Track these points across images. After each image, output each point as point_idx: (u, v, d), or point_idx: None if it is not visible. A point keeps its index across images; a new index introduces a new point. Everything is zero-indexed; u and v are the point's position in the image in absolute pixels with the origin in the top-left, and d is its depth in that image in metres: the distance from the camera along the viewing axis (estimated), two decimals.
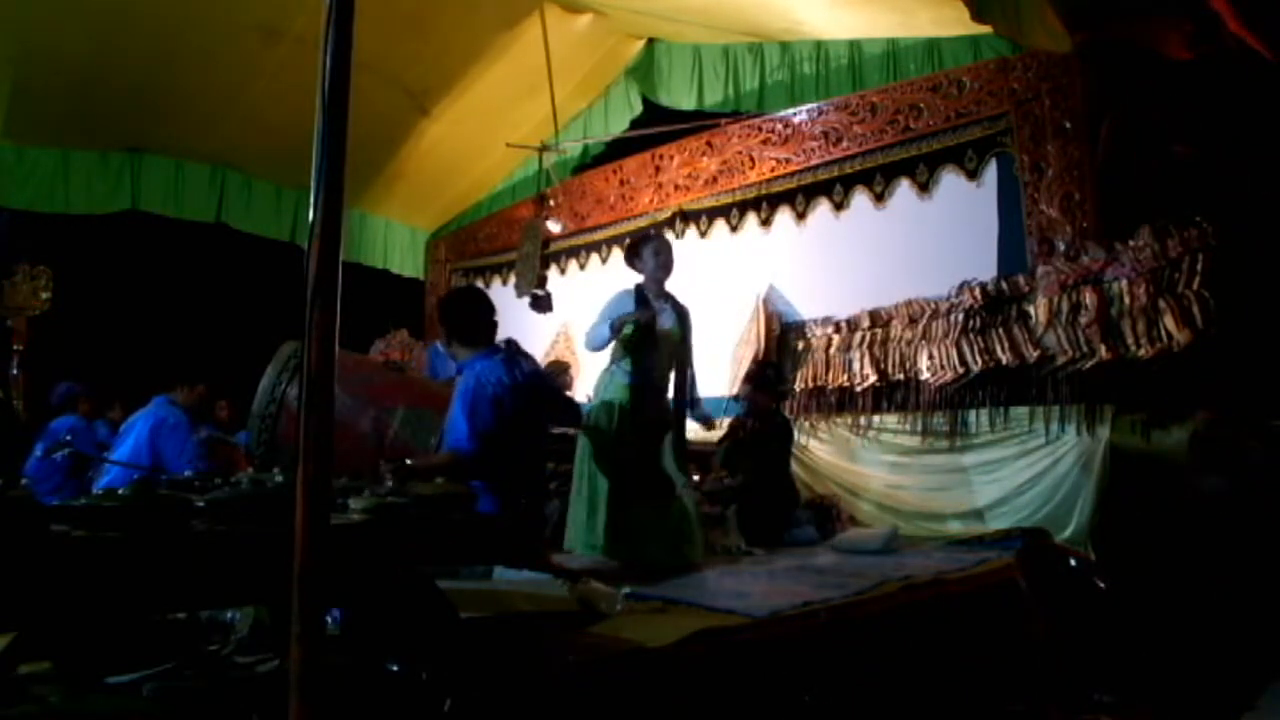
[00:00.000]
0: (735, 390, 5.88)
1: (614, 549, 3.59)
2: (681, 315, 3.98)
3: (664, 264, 3.95)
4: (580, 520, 3.68)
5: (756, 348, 6.23)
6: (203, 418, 5.45)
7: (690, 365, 4.04)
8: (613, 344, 3.83)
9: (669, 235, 6.66)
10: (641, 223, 7.39)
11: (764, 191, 6.68)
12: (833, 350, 5.90)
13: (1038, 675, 3.49)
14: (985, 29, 4.74)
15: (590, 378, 7.10)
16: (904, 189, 5.90)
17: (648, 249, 3.99)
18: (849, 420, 5.73)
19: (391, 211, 9.08)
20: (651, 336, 3.80)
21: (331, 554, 1.51)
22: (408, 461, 2.60)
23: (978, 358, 5.05)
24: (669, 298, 3.99)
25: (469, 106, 7.41)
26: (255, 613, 2.19)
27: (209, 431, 5.04)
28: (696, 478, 4.10)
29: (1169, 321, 4.37)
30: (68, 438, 5.16)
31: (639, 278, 4.00)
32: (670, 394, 3.94)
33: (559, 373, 6.87)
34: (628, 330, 3.77)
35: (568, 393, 6.80)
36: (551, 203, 7.50)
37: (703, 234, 7.05)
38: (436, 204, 9.23)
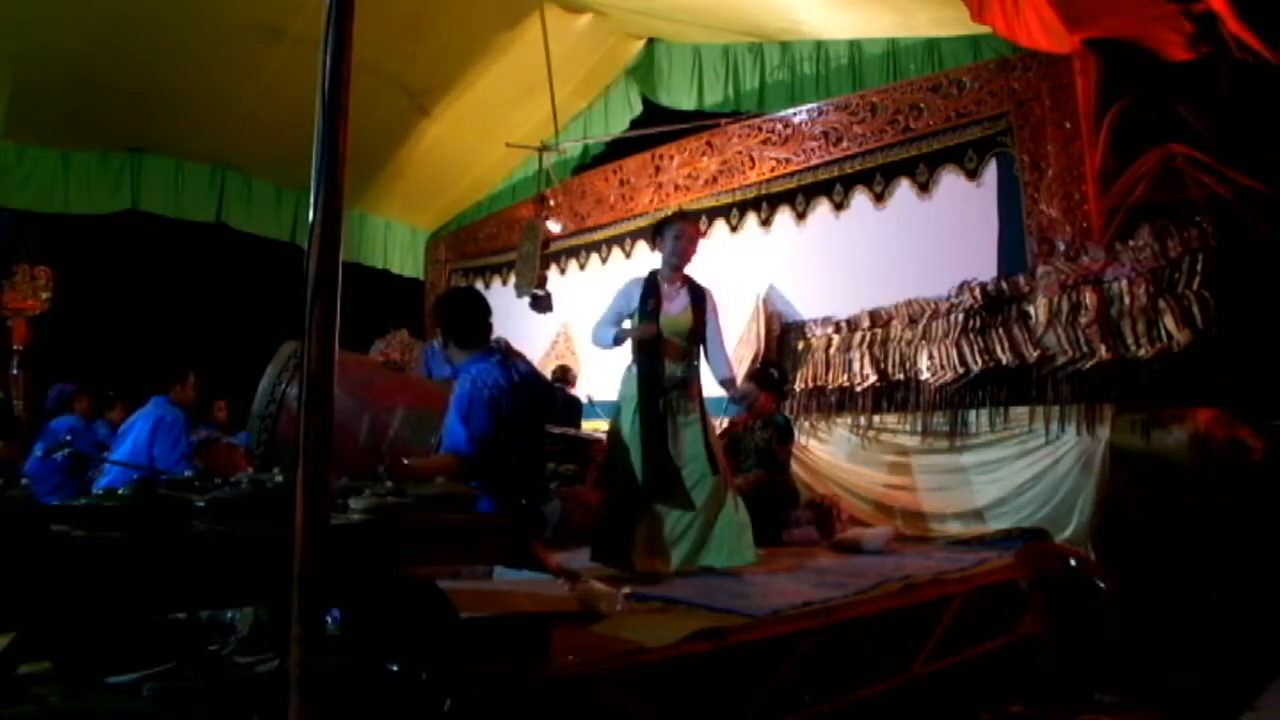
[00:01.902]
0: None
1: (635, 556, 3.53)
2: (697, 297, 3.84)
3: (679, 251, 3.82)
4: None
5: (756, 348, 6.23)
6: (201, 417, 5.45)
7: (716, 345, 3.89)
8: (629, 341, 3.79)
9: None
10: (642, 223, 7.38)
11: (764, 191, 6.67)
12: (833, 350, 5.89)
13: (1038, 675, 3.49)
14: (985, 29, 4.74)
15: (591, 378, 7.17)
16: (904, 189, 5.90)
17: (669, 232, 3.87)
18: (849, 420, 5.72)
19: (391, 211, 9.08)
20: (654, 334, 3.72)
21: (331, 554, 1.51)
22: (405, 461, 2.58)
23: (978, 358, 5.05)
24: (686, 281, 3.88)
25: (469, 106, 7.41)
26: (255, 613, 2.19)
27: (208, 432, 5.03)
28: None
29: (1169, 321, 4.37)
30: (68, 438, 5.16)
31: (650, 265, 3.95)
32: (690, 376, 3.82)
33: (562, 376, 6.87)
34: (629, 326, 3.77)
35: (570, 391, 6.81)
36: (551, 203, 7.50)
37: (703, 234, 7.05)
38: (436, 204, 9.23)
